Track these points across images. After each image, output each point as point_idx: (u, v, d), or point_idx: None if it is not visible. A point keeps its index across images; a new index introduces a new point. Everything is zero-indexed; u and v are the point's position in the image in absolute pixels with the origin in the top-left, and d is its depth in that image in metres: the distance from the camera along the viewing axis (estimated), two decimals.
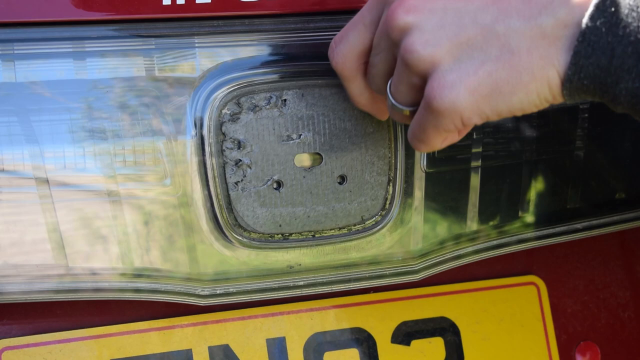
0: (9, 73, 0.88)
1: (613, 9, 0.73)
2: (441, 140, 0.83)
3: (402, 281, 1.01)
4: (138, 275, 0.93)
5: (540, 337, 1.08)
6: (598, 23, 0.73)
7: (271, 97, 0.93)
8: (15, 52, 0.88)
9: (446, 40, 0.77)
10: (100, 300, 0.95)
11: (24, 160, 0.88)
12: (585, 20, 0.73)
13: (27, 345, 0.94)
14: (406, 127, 0.94)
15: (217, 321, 0.99)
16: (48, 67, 0.89)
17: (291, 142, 0.94)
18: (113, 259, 0.92)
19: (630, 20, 0.73)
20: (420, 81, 0.80)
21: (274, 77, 0.94)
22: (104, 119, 0.90)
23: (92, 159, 0.90)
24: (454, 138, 0.84)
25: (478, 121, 0.78)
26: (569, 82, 0.75)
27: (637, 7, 0.73)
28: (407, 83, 0.81)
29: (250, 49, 0.94)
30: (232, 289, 0.96)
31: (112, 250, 0.92)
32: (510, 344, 1.07)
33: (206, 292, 0.95)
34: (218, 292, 0.95)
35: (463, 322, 1.06)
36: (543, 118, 1.01)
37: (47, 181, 0.89)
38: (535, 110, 0.78)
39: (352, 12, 0.92)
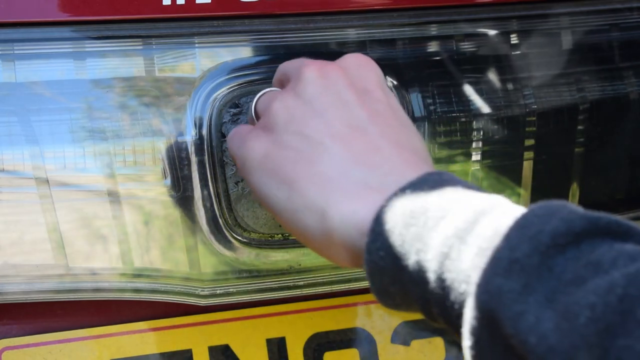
0: (9, 73, 0.88)
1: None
2: None
3: None
4: (138, 275, 0.93)
5: None
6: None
7: None
8: (15, 52, 0.88)
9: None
10: (100, 300, 0.95)
11: (24, 160, 0.88)
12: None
13: (27, 345, 0.94)
14: None
15: (217, 321, 0.99)
16: (48, 67, 0.89)
17: None
18: (113, 259, 0.92)
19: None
20: None
21: None
22: (104, 119, 0.90)
23: (92, 159, 0.90)
24: None
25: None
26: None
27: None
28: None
29: (250, 49, 0.94)
30: (232, 289, 0.96)
31: (112, 250, 0.92)
32: None
33: (206, 292, 0.95)
34: (218, 292, 0.95)
35: None
36: (543, 118, 1.01)
37: (47, 181, 0.89)
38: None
39: (353, 12, 0.92)
